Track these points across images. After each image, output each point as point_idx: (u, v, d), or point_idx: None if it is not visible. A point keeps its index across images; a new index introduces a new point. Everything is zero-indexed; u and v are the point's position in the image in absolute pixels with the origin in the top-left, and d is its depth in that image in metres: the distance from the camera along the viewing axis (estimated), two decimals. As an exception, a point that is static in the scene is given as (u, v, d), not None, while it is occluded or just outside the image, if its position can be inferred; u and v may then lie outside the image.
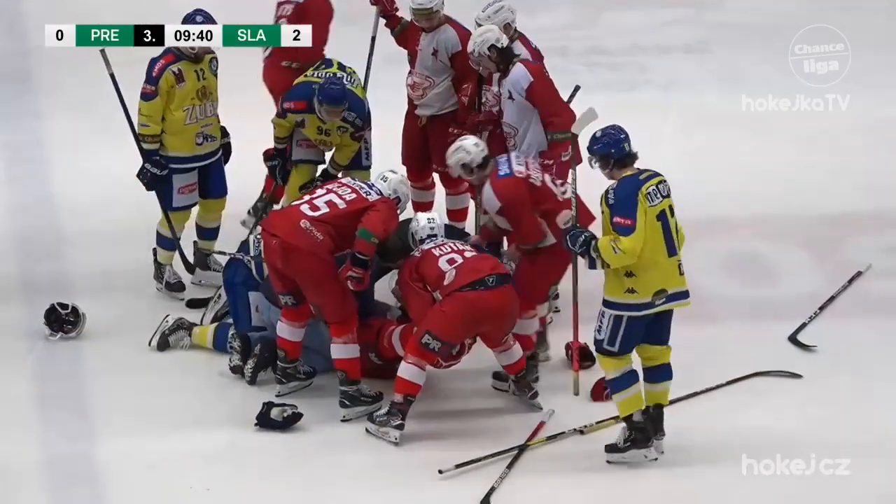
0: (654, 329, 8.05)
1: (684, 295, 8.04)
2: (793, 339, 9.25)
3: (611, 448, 8.14)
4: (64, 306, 9.22)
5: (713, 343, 9.25)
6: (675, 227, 7.99)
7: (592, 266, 7.98)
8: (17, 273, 9.62)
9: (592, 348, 8.29)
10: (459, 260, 8.38)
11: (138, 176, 9.52)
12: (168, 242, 9.70)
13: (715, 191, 11.09)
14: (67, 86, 12.71)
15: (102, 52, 9.33)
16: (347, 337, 8.53)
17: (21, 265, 9.90)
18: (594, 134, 8.00)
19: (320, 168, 9.83)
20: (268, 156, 9.82)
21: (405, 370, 8.31)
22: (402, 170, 9.55)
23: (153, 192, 9.53)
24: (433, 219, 8.67)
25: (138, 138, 9.48)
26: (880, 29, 13.39)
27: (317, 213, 8.46)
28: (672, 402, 8.46)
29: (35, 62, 13.01)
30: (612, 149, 7.96)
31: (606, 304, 7.99)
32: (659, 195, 7.94)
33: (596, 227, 8.11)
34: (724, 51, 11.93)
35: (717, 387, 8.69)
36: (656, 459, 8.10)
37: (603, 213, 7.96)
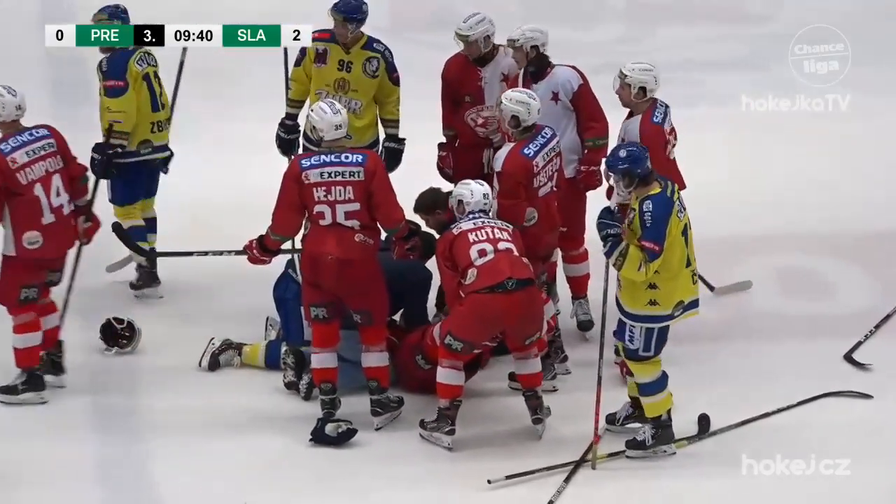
0: None
1: (695, 304, 8.15)
2: (848, 357, 9.20)
3: (634, 444, 8.22)
4: (120, 321, 9.25)
5: (767, 360, 9.19)
6: (691, 237, 8.09)
7: (608, 255, 7.98)
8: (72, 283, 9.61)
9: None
10: (490, 252, 8.28)
11: None
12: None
13: (770, 203, 11.04)
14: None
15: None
16: (382, 345, 8.56)
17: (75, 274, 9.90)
18: (615, 151, 8.06)
19: None
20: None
21: (442, 375, 8.34)
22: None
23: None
24: (488, 194, 8.51)
25: None
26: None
27: (353, 222, 8.36)
28: (744, 423, 8.43)
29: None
30: (638, 168, 8.00)
31: (630, 316, 8.08)
32: (683, 208, 8.04)
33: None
34: (773, 65, 11.80)
35: (788, 407, 8.59)
36: (674, 454, 8.19)
37: (631, 227, 7.97)
